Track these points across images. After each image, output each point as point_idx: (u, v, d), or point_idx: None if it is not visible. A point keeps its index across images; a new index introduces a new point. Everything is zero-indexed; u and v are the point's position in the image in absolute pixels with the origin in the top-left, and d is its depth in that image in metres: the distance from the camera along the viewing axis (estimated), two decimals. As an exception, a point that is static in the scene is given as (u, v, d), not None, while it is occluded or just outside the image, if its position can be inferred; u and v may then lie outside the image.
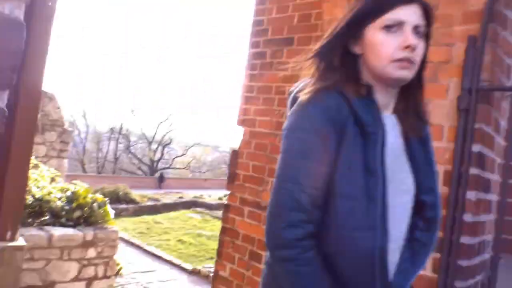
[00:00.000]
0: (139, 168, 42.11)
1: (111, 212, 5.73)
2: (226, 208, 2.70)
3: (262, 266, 2.42)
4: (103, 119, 41.88)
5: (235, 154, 2.73)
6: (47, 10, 3.85)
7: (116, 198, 13.97)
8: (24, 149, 3.98)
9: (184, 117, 59.46)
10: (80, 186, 5.88)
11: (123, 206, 14.06)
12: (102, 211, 5.57)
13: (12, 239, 3.96)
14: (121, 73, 71.50)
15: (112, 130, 40.95)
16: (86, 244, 4.89)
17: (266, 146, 2.58)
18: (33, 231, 4.52)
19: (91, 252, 4.94)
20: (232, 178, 2.68)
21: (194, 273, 8.24)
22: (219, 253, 2.62)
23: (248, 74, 2.75)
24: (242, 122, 2.76)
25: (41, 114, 7.58)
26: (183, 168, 43.99)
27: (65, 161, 8.48)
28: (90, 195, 5.67)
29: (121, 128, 41.05)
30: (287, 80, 2.56)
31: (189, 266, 8.72)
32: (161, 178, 33.22)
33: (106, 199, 5.89)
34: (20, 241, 3.97)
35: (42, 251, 4.46)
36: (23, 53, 3.90)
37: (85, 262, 4.88)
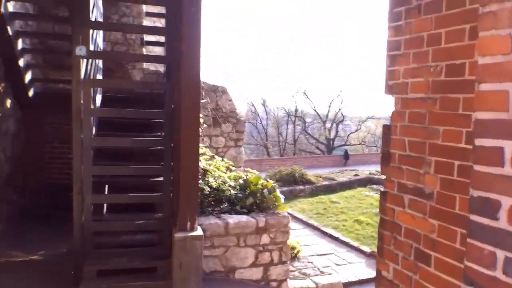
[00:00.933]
0: (317, 147, 43.02)
1: (281, 198, 5.76)
2: (383, 195, 2.28)
3: (431, 269, 1.94)
4: (280, 105, 44.17)
5: (387, 129, 2.27)
6: (192, 15, 4.00)
7: (293, 180, 14.45)
8: (192, 145, 4.26)
9: (354, 92, 58.03)
10: (251, 174, 6.10)
11: (300, 187, 14.43)
12: (272, 197, 5.65)
13: (192, 229, 4.31)
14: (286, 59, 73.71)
15: (288, 114, 42.78)
16: (259, 231, 5.00)
17: (423, 116, 2.05)
18: (211, 220, 4.83)
19: (265, 238, 5.04)
20: (386, 159, 2.24)
21: (373, 256, 7.82)
22: (380, 249, 2.23)
23: (392, 27, 2.23)
24: (390, 89, 2.27)
25: (216, 107, 8.18)
26: (358, 144, 43.12)
27: (242, 149, 9.01)
28: (260, 181, 5.81)
29: (296, 111, 42.49)
30: (442, 22, 1.96)
31: (367, 249, 8.35)
32: (346, 155, 32.84)
33: (275, 184, 5.96)
34: (198, 231, 4.30)
35: (220, 239, 4.73)
36: (179, 56, 4.13)
37: (260, 248, 5.01)
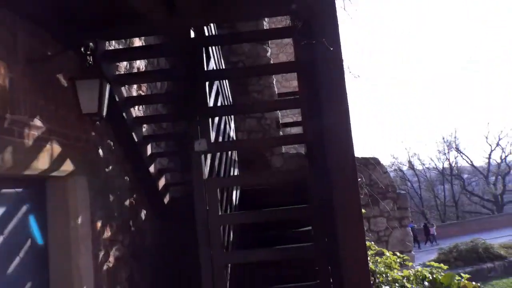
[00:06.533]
0: (483, 206, 37.05)
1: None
2: None
3: None
4: (430, 163, 40.07)
5: None
6: (335, 79, 2.94)
7: (476, 257, 11.57)
8: (357, 250, 2.98)
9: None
10: (437, 269, 4.48)
11: (488, 265, 11.44)
12: (479, 305, 3.93)
13: None
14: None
15: (442, 174, 38.33)
16: None
17: None
18: None
19: None
20: None
21: None
22: None
23: None
24: None
25: (370, 183, 6.85)
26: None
27: (409, 229, 7.34)
28: (455, 281, 4.18)
29: (451, 169, 37.85)
30: None
31: None
32: (426, 230, 25.80)
33: (479, 284, 4.24)
34: None
35: None
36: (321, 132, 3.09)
37: None
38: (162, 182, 5.04)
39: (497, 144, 36.56)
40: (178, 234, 5.30)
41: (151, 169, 4.75)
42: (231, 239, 3.91)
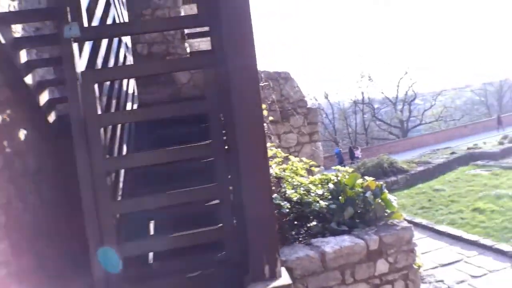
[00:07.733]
0: (390, 133, 40.16)
1: (393, 201, 4.12)
2: None
3: None
4: (344, 95, 41.99)
5: None
6: None
7: (381, 172, 12.41)
8: (256, 146, 2.76)
9: (424, 67, 53.67)
10: (342, 173, 4.51)
11: (392, 178, 12.32)
12: (380, 202, 4.03)
13: (273, 275, 2.81)
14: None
15: (355, 103, 40.39)
16: (372, 255, 3.46)
17: None
18: (299, 250, 3.32)
19: (381, 266, 3.48)
20: None
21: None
22: None
23: None
24: None
25: (280, 98, 6.68)
26: (435, 121, 39.59)
27: (319, 144, 7.41)
28: (359, 182, 4.24)
29: (363, 98, 39.96)
30: None
31: (507, 247, 6.29)
32: (352, 153, 24.94)
33: (381, 183, 4.33)
34: (283, 278, 2.79)
35: (317, 278, 3.19)
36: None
37: (377, 282, 3.46)
38: (44, 97, 4.33)
39: (406, 72, 39.01)
40: (68, 156, 4.74)
41: (28, 80, 4.02)
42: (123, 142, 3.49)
